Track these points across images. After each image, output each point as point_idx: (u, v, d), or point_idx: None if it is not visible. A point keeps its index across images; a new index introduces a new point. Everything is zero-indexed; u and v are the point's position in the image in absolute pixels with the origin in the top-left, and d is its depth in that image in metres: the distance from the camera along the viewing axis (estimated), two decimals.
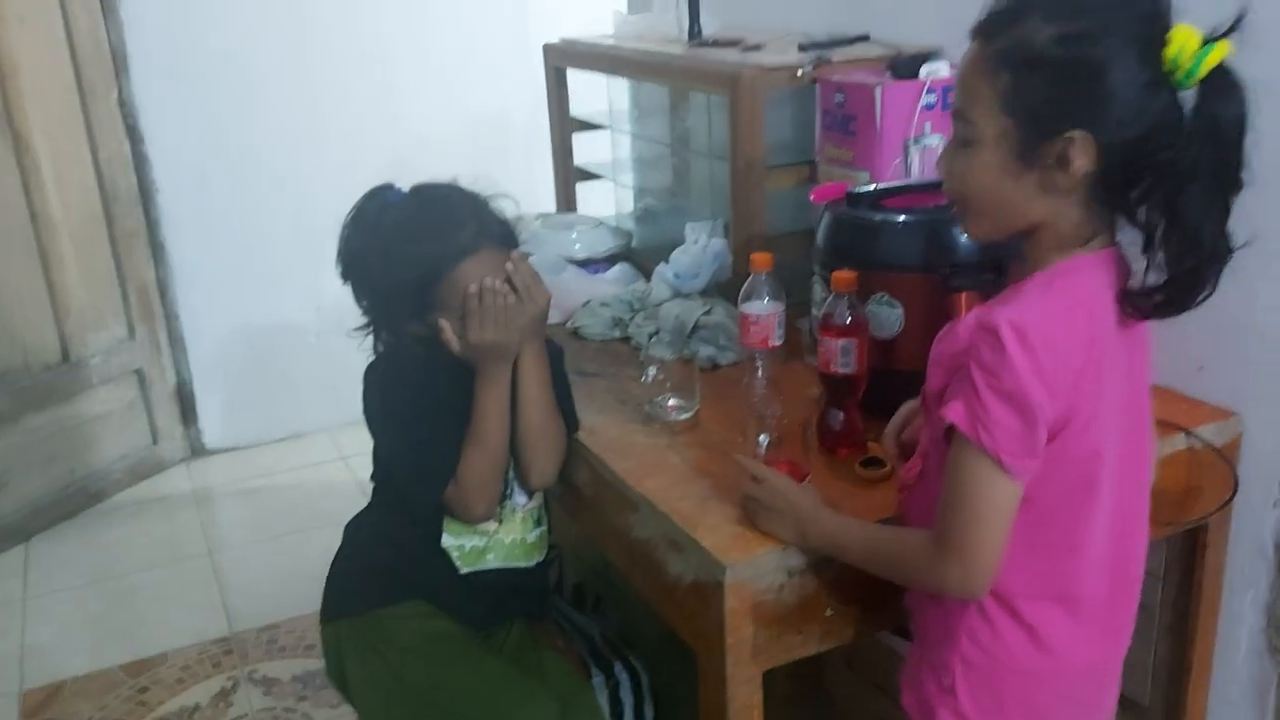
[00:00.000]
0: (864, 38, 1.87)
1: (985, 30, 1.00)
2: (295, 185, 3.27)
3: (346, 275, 1.53)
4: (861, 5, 1.98)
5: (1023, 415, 0.97)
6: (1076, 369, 0.99)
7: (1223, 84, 0.94)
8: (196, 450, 3.37)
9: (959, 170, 1.04)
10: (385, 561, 1.56)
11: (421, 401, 1.49)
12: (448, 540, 1.51)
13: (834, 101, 1.70)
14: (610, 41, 2.25)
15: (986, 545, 1.02)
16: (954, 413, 1.00)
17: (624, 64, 2.13)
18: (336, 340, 3.35)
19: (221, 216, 3.21)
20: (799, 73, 1.74)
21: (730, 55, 1.85)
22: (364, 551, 1.60)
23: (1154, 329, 1.40)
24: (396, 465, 1.51)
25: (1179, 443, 1.43)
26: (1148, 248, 1.00)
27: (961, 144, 1.03)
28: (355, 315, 3.14)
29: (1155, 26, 0.94)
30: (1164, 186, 0.97)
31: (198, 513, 3.07)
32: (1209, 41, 0.93)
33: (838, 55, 1.79)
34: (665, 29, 2.13)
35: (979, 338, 0.98)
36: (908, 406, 1.30)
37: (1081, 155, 0.96)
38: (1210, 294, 1.01)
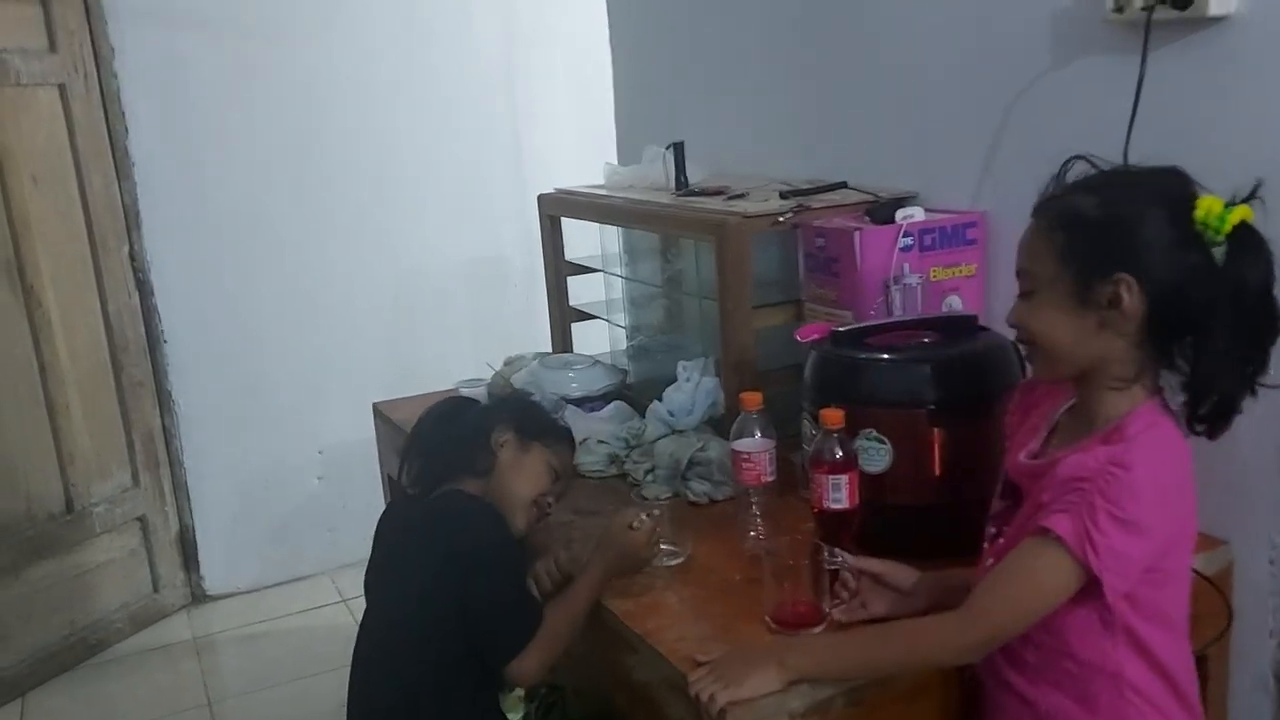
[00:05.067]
0: (842, 184, 1.96)
1: (1041, 207, 1.19)
2: (298, 334, 3.37)
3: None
4: (839, 154, 2.08)
5: (1140, 538, 1.09)
6: (1186, 496, 1.15)
7: (1249, 243, 1.10)
8: (198, 596, 3.36)
9: (1026, 319, 1.20)
10: None
11: (518, 557, 1.53)
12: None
13: (816, 245, 1.78)
14: (602, 191, 2.35)
15: (1010, 625, 1.14)
16: (1059, 524, 1.10)
17: (615, 213, 2.23)
18: (337, 483, 3.44)
19: (227, 365, 3.29)
20: (781, 219, 1.82)
21: (715, 203, 1.94)
22: None
23: None
24: (491, 614, 1.46)
25: None
26: (1185, 388, 1.15)
27: (1026, 296, 1.20)
28: (356, 457, 3.19)
29: (1182, 194, 1.11)
30: (1195, 332, 1.12)
31: (198, 661, 3.03)
32: (1230, 205, 1.10)
33: (817, 201, 1.88)
34: (654, 178, 2.23)
35: (1105, 473, 1.09)
36: (898, 573, 1.34)
37: (1128, 294, 1.11)
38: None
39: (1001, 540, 1.23)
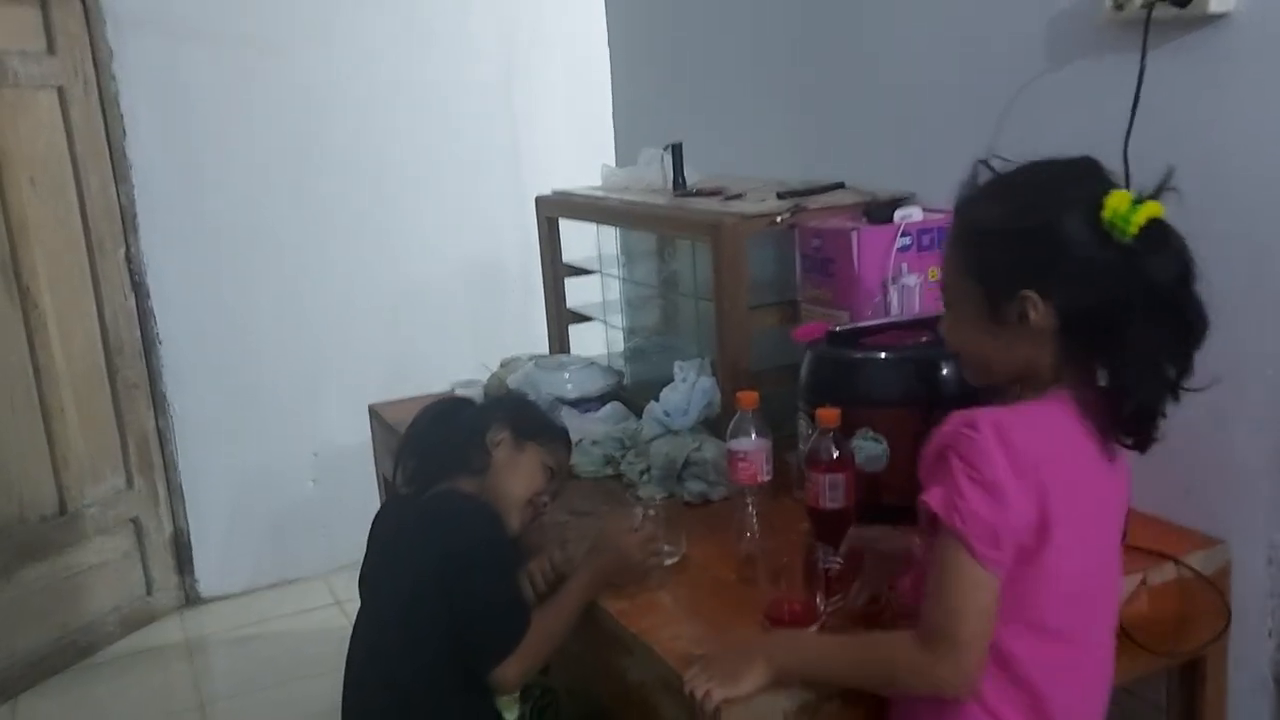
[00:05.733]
0: (839, 185, 1.96)
1: (955, 211, 1.18)
2: (294, 336, 3.35)
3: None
4: (836, 155, 2.08)
5: (997, 504, 1.05)
6: (1046, 477, 1.07)
7: (1159, 240, 1.06)
8: (191, 599, 3.34)
9: (948, 332, 1.20)
10: None
11: (511, 558, 1.52)
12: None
13: (812, 245, 1.78)
14: (600, 193, 2.35)
15: (969, 633, 1.06)
16: (933, 498, 1.07)
17: (613, 214, 2.23)
18: (332, 485, 3.42)
19: (222, 367, 3.28)
20: (778, 219, 1.81)
21: (712, 204, 1.94)
22: None
23: (1138, 459, 1.45)
24: (481, 616, 1.43)
25: (1169, 572, 1.43)
26: (1104, 394, 1.12)
27: (948, 308, 1.20)
28: (351, 460, 3.18)
29: (1092, 192, 1.07)
30: (1111, 336, 1.08)
31: (190, 664, 3.02)
32: (1140, 201, 1.06)
33: (814, 202, 1.87)
34: (651, 179, 2.23)
35: (960, 432, 1.07)
36: (894, 539, 1.32)
37: (1035, 311, 1.09)
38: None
39: None
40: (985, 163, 1.17)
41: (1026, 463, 1.05)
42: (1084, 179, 1.10)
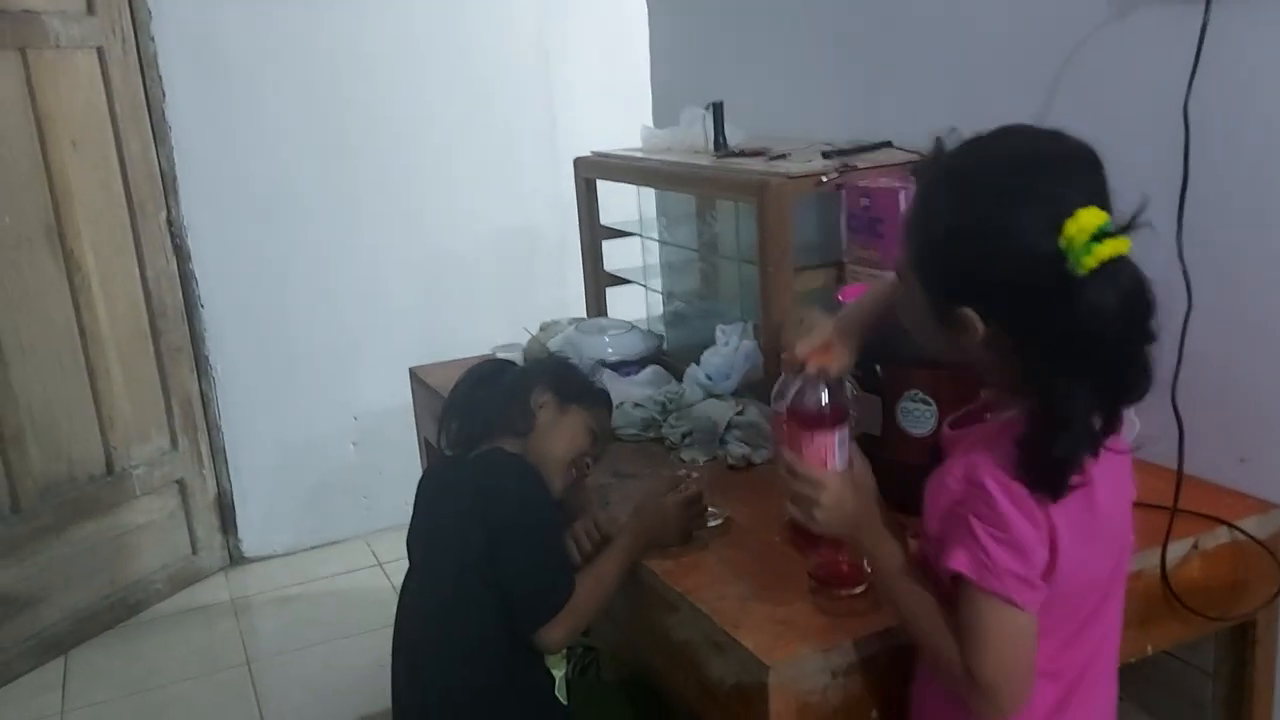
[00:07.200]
0: (886, 143, 1.93)
1: (916, 181, 1.10)
2: (332, 300, 3.37)
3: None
4: (882, 113, 2.05)
5: (1024, 559, 1.02)
6: (1054, 517, 1.02)
7: (1110, 279, 0.93)
8: (235, 559, 3.39)
9: (899, 305, 1.13)
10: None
11: (555, 519, 1.53)
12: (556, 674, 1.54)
13: (860, 205, 1.75)
14: (639, 154, 2.33)
15: (1016, 678, 1.04)
16: (959, 562, 1.03)
17: (654, 175, 2.21)
18: (372, 447, 3.45)
19: (262, 331, 3.30)
20: (824, 179, 1.79)
21: (757, 164, 1.91)
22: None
23: (1195, 420, 1.42)
24: (525, 576, 1.45)
25: (1222, 536, 1.42)
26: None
27: (899, 280, 1.12)
28: (391, 424, 3.21)
29: (1061, 205, 0.94)
30: (1041, 365, 0.98)
31: (236, 622, 3.07)
32: (1107, 235, 0.92)
33: (862, 161, 1.85)
34: (692, 140, 2.20)
35: (971, 493, 1.03)
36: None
37: (974, 328, 1.01)
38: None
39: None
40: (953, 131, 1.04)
41: (1036, 512, 1.01)
42: (1060, 186, 0.96)
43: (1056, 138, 1.01)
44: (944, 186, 1.03)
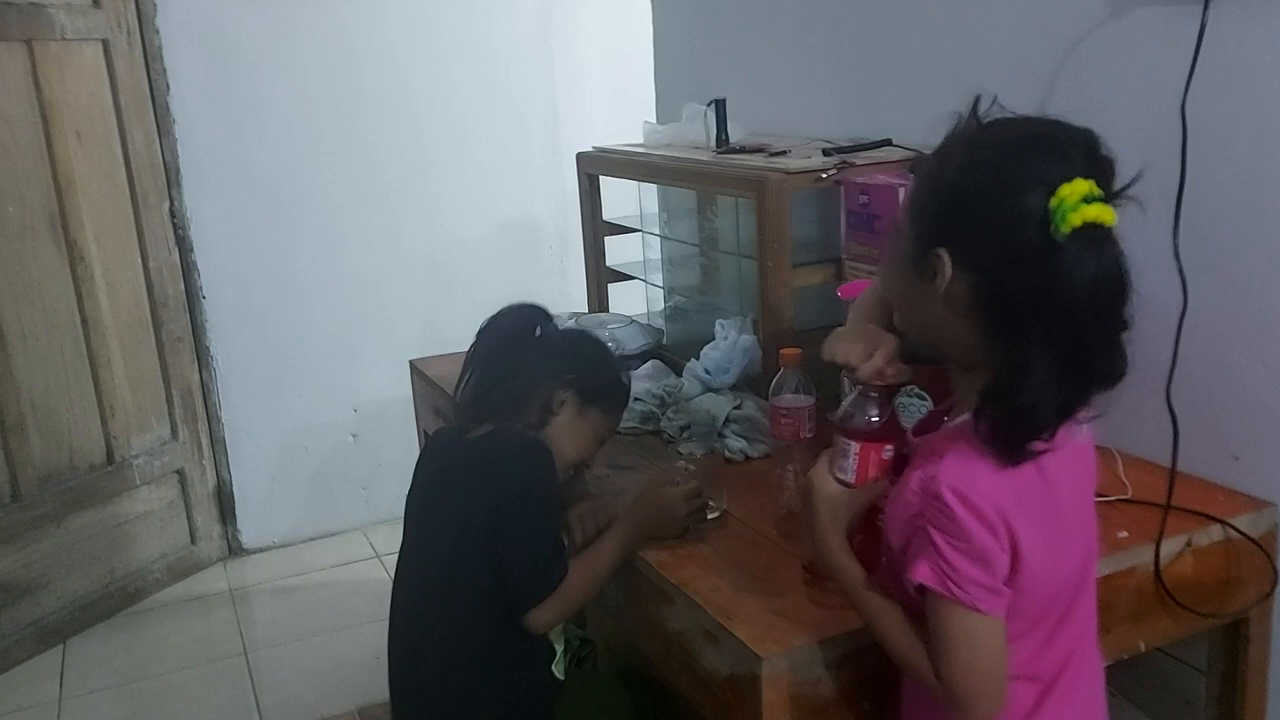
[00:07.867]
0: (886, 141, 1.93)
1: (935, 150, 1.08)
2: (333, 293, 3.39)
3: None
4: (882, 111, 2.05)
5: (986, 567, 1.02)
6: (1014, 523, 1.02)
7: (1088, 246, 0.93)
8: (234, 549, 3.41)
9: (880, 270, 1.15)
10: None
11: (558, 504, 1.54)
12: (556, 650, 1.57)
13: (858, 202, 1.76)
14: (641, 150, 2.34)
15: (989, 684, 1.05)
16: (922, 574, 1.03)
17: (656, 171, 2.21)
18: (371, 440, 3.47)
19: (263, 322, 3.32)
20: (824, 175, 1.80)
21: (756, 160, 1.92)
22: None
23: (1189, 418, 1.43)
24: (522, 557, 1.45)
25: (1215, 534, 1.43)
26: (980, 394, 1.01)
27: (888, 244, 1.13)
28: (390, 416, 3.21)
29: (1058, 173, 0.95)
30: (1013, 331, 0.98)
31: (234, 611, 3.08)
32: (1096, 199, 0.93)
33: (860, 159, 1.85)
34: (693, 136, 2.22)
35: (928, 505, 1.03)
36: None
37: (942, 274, 1.01)
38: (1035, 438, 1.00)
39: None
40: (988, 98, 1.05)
41: (995, 520, 1.01)
42: (1071, 161, 0.96)
43: (1085, 131, 1.01)
44: (963, 136, 1.05)
